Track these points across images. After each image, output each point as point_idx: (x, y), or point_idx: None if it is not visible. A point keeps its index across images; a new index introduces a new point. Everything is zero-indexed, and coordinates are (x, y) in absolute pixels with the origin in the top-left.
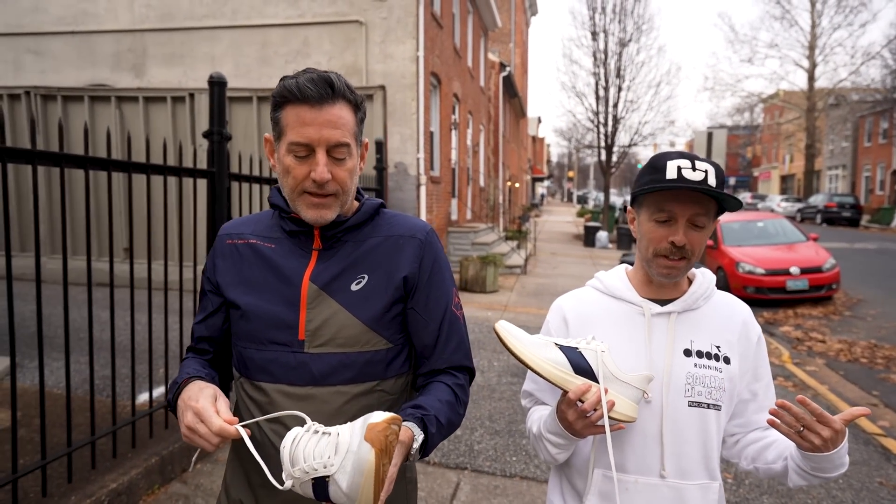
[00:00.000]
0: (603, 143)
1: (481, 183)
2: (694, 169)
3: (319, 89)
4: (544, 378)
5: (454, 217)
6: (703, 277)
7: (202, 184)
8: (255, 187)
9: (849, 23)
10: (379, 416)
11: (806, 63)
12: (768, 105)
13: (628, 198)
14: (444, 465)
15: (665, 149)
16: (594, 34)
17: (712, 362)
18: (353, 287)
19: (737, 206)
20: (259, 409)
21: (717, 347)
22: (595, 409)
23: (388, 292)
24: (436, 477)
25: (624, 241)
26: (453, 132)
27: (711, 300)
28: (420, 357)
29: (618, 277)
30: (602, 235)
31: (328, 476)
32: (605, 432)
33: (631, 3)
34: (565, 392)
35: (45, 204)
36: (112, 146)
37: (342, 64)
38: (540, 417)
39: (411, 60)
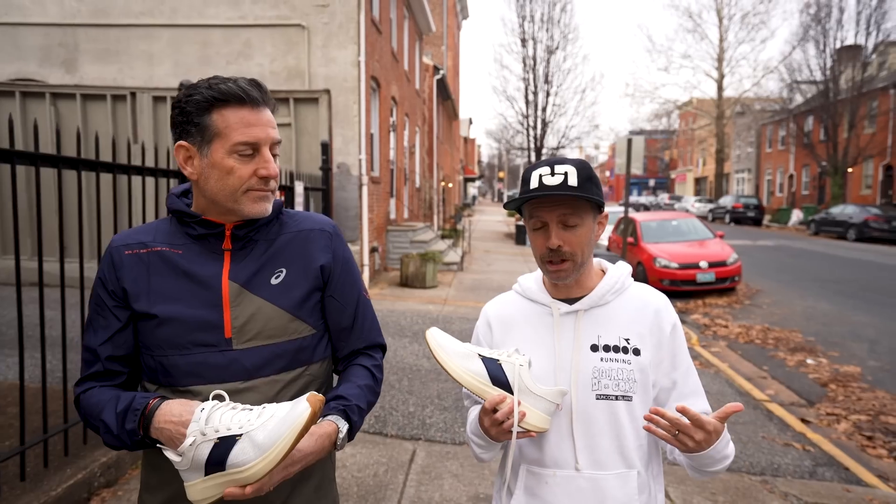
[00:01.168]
0: (532, 146)
1: (417, 183)
2: (553, 174)
3: (261, 93)
4: (464, 387)
5: (393, 216)
6: (615, 272)
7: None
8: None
9: (751, 38)
10: (315, 393)
11: (715, 74)
12: (683, 111)
13: None
14: (401, 437)
15: (590, 151)
16: (524, 41)
17: (620, 355)
18: (273, 281)
19: (597, 202)
20: None
21: (626, 340)
22: (508, 419)
23: (307, 281)
24: (394, 447)
25: None
26: (391, 134)
27: (624, 294)
28: (337, 341)
29: (533, 280)
30: None
31: (239, 435)
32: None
33: (558, 13)
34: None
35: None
36: (49, 143)
37: (284, 66)
38: (468, 423)
39: (353, 65)
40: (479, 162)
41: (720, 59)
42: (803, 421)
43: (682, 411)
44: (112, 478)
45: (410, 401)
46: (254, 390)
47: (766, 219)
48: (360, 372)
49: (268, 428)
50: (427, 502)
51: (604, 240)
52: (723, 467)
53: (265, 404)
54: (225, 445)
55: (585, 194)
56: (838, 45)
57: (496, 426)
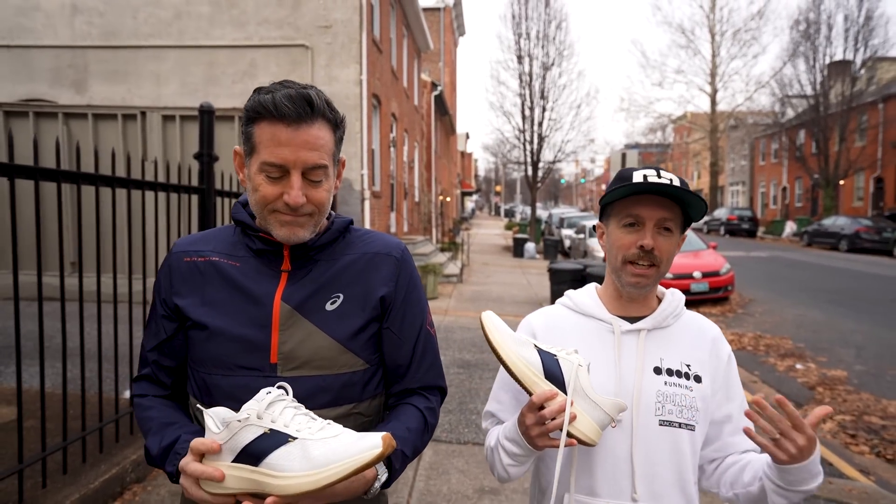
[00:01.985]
0: (529, 160)
1: (416, 197)
2: (659, 176)
3: (297, 108)
4: (513, 375)
5: (393, 229)
6: (673, 296)
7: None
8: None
9: (743, 54)
10: (391, 435)
11: (708, 88)
12: (678, 125)
13: (556, 211)
14: None
15: (586, 165)
16: (520, 58)
17: (683, 380)
18: (328, 307)
19: (701, 209)
20: None
21: (688, 366)
22: (554, 419)
23: (364, 311)
24: None
25: (550, 252)
26: (391, 149)
27: (681, 319)
28: (393, 376)
29: (587, 294)
30: (530, 247)
31: (293, 437)
32: (558, 447)
33: (553, 31)
34: (531, 395)
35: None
36: (67, 160)
37: None
38: (499, 429)
39: (355, 83)
40: (476, 176)
41: (713, 74)
42: None
43: (781, 403)
44: (142, 474)
45: None
46: None
47: (761, 230)
48: (411, 412)
49: (329, 446)
50: (436, 494)
51: (600, 251)
52: (816, 485)
53: (330, 420)
54: (272, 440)
55: (698, 196)
56: (828, 61)
57: (539, 425)
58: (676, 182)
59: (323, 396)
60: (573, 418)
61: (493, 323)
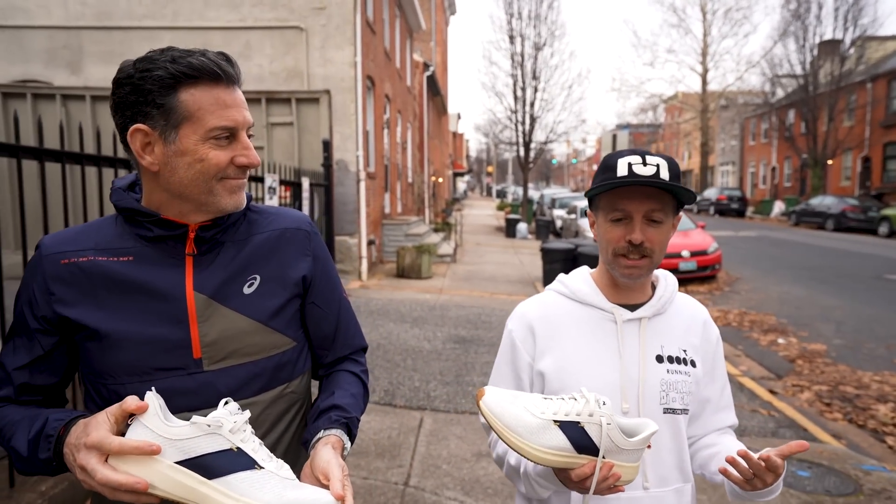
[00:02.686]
0: (521, 140)
1: (410, 178)
2: (645, 164)
3: (234, 68)
4: (549, 465)
5: (387, 210)
6: (667, 281)
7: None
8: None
9: (734, 33)
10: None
11: (699, 68)
12: (669, 105)
13: (548, 191)
14: (408, 407)
15: (578, 145)
16: (511, 38)
17: (682, 367)
18: (246, 290)
19: (691, 197)
20: None
21: (685, 351)
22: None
23: (285, 290)
24: (403, 415)
25: (542, 232)
26: (385, 130)
27: (674, 303)
28: (319, 349)
29: (583, 281)
30: (522, 227)
31: (260, 467)
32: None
33: (545, 10)
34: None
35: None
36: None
37: (283, 67)
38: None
39: (350, 65)
40: (468, 156)
41: (704, 54)
42: (771, 392)
43: (747, 458)
44: None
45: (415, 377)
46: None
47: (750, 210)
48: (350, 379)
49: (301, 493)
50: (436, 458)
51: (591, 232)
52: (775, 496)
53: (280, 461)
54: (236, 460)
55: (689, 190)
56: (818, 41)
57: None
58: (664, 169)
59: (256, 383)
60: (617, 477)
61: (501, 421)
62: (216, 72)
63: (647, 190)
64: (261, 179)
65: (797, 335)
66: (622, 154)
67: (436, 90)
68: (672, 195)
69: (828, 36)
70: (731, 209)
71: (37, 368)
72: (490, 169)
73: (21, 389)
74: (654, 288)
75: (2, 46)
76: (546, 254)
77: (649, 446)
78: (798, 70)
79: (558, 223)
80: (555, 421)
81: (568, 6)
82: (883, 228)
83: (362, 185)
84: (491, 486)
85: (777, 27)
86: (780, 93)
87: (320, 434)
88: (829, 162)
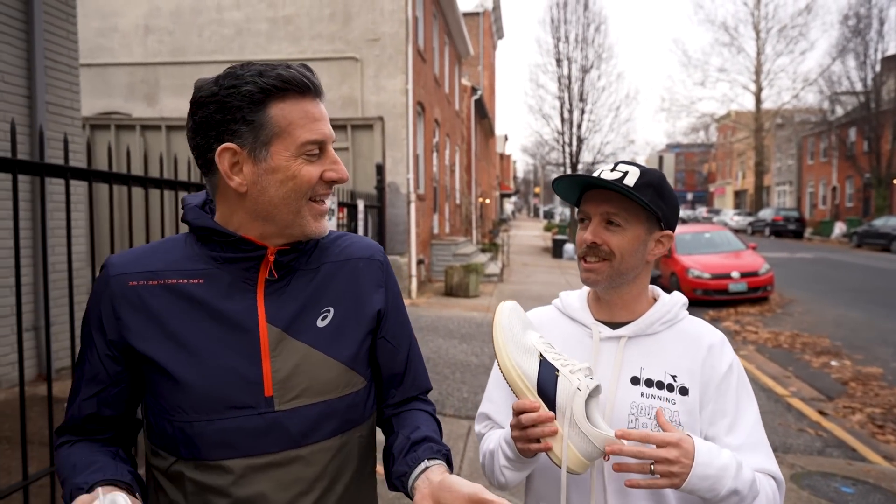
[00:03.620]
0: (568, 162)
1: (457, 199)
2: (613, 170)
3: (317, 81)
4: (506, 380)
5: (436, 231)
6: (668, 300)
7: None
8: None
9: (790, 50)
10: None
11: (753, 87)
12: (721, 125)
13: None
14: (457, 416)
15: None
16: (558, 61)
17: (664, 392)
18: (320, 323)
19: (657, 207)
20: (220, 496)
21: (673, 377)
22: (534, 426)
23: (360, 324)
24: (453, 423)
25: None
26: (434, 153)
27: (676, 326)
28: (388, 386)
29: (577, 297)
30: (569, 248)
31: None
32: (536, 453)
33: (592, 33)
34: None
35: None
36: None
37: (340, 95)
38: (500, 433)
39: (402, 93)
40: (515, 177)
41: (758, 72)
42: (820, 412)
43: (625, 435)
44: None
45: (464, 389)
46: (304, 463)
47: (808, 231)
48: (427, 418)
49: None
50: None
51: None
52: (727, 489)
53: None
54: None
55: (634, 193)
56: (879, 56)
57: (519, 429)
58: (632, 177)
59: (328, 425)
60: (547, 447)
61: (502, 320)
62: (305, 83)
63: (607, 193)
64: (354, 206)
65: (851, 358)
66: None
67: (483, 113)
68: (642, 206)
69: (890, 52)
70: (788, 230)
71: (104, 399)
72: (537, 190)
73: (88, 420)
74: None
75: (88, 82)
76: None
77: (607, 457)
78: (859, 87)
79: None
80: (540, 354)
81: (615, 28)
82: None
83: (412, 206)
84: None
85: (835, 44)
86: (839, 110)
87: (425, 464)
88: (895, 181)
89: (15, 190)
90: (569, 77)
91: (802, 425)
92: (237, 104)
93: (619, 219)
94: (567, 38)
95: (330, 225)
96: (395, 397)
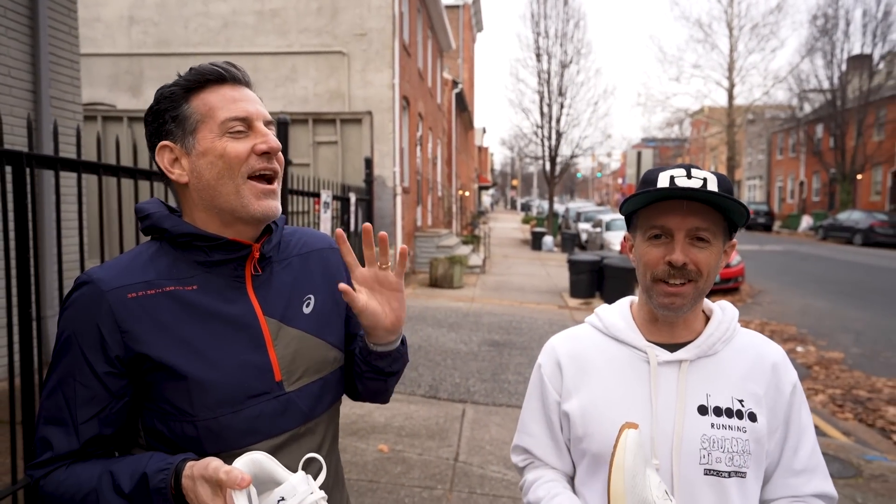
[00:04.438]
0: (547, 155)
1: (439, 192)
2: (689, 177)
3: (239, 70)
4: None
5: (419, 223)
6: (724, 314)
7: None
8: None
9: (761, 48)
10: None
11: (726, 83)
12: (695, 120)
13: (573, 205)
14: (451, 400)
15: (603, 160)
16: (538, 56)
17: (734, 420)
18: (305, 310)
19: (743, 215)
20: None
21: (741, 402)
22: None
23: (338, 307)
24: (447, 406)
25: (568, 245)
26: (418, 147)
27: (733, 343)
28: (357, 339)
29: (619, 315)
30: (548, 240)
31: None
32: None
33: (571, 29)
34: None
35: None
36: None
37: (327, 89)
38: (552, 493)
39: (388, 87)
40: (493, 170)
41: (731, 69)
42: None
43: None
44: None
45: (455, 374)
46: (311, 433)
47: (777, 225)
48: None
49: None
50: (480, 440)
51: (616, 244)
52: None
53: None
54: None
55: (742, 204)
56: (846, 56)
57: None
58: (712, 183)
59: (327, 397)
60: None
61: (627, 461)
62: (219, 72)
63: (692, 205)
64: (316, 195)
65: (816, 344)
66: (663, 168)
67: (463, 106)
68: (722, 215)
69: (856, 51)
70: (758, 224)
71: (106, 418)
72: (515, 182)
73: (90, 443)
74: (706, 322)
75: None
76: (573, 265)
77: None
78: (826, 85)
79: (583, 236)
80: None
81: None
82: None
83: (398, 199)
84: None
85: (805, 43)
86: (807, 108)
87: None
88: (859, 177)
89: (32, 183)
90: (548, 72)
91: None
92: (164, 107)
93: (708, 234)
94: (547, 33)
95: (325, 217)
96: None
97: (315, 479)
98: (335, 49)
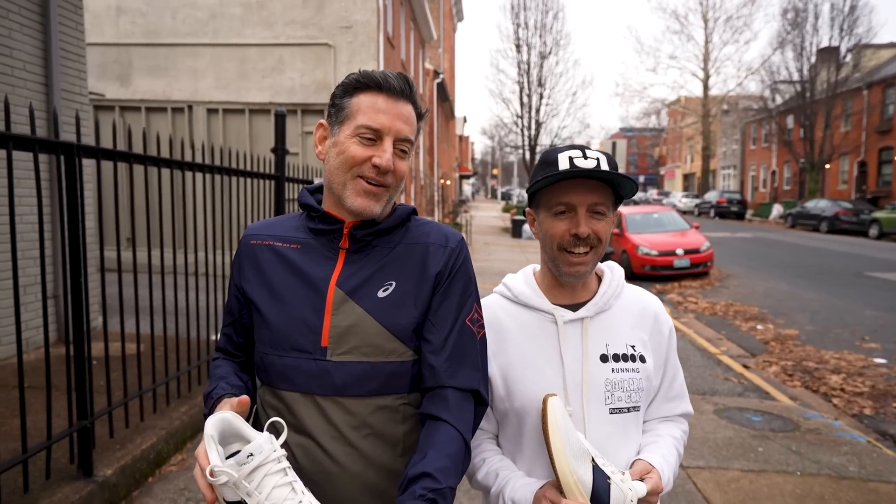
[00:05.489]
0: (527, 144)
1: (422, 181)
2: (585, 157)
3: (402, 83)
4: (558, 479)
5: None
6: (612, 274)
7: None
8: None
9: (735, 40)
10: None
11: (701, 74)
12: (671, 110)
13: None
14: None
15: None
16: (518, 47)
17: (629, 364)
18: (380, 294)
19: (632, 189)
20: (280, 416)
21: (633, 347)
22: None
23: (417, 301)
24: None
25: None
26: None
27: (622, 297)
28: (423, 365)
29: (525, 283)
30: (527, 228)
31: None
32: None
33: (550, 20)
34: (560, 491)
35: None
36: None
37: (313, 80)
38: (505, 481)
39: None
40: (473, 159)
41: (706, 60)
42: (744, 366)
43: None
44: None
45: None
46: (341, 408)
47: (750, 213)
48: (449, 437)
49: None
50: None
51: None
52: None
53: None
54: None
55: (627, 176)
56: (815, 49)
57: None
58: (604, 163)
59: (370, 383)
60: None
61: (559, 422)
62: (379, 81)
63: (591, 183)
64: (310, 182)
65: (774, 322)
66: (561, 149)
67: (444, 96)
68: (612, 192)
69: (825, 44)
70: (731, 212)
71: (235, 329)
72: (495, 172)
73: (228, 343)
74: (599, 281)
75: None
76: None
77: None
78: (796, 77)
79: None
80: (592, 459)
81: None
82: (873, 230)
83: None
84: None
85: (776, 35)
86: (779, 99)
87: None
88: (827, 166)
89: (69, 170)
90: (528, 62)
91: (728, 376)
92: (337, 93)
93: (604, 207)
94: (527, 24)
95: None
96: (427, 382)
97: (277, 438)
98: (321, 41)
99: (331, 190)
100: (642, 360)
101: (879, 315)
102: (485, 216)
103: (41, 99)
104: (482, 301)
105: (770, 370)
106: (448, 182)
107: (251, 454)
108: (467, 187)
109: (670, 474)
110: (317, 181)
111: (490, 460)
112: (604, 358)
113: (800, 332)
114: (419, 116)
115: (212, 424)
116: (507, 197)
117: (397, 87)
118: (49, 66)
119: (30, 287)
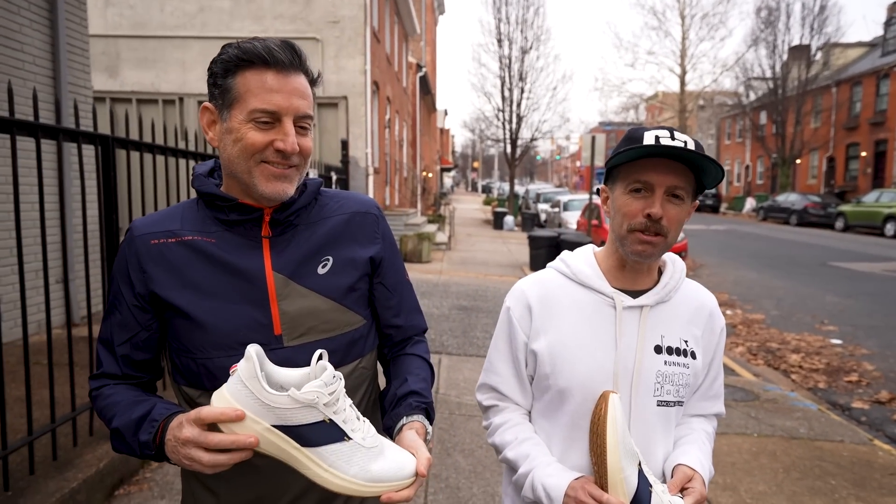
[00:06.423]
0: (508, 138)
1: (405, 173)
2: (673, 138)
3: (289, 54)
4: (602, 475)
5: (388, 202)
6: (675, 266)
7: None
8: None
9: (711, 36)
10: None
11: (678, 70)
12: (649, 105)
13: (533, 186)
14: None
15: (561, 143)
16: (500, 41)
17: (681, 358)
18: (321, 270)
19: (716, 178)
20: None
21: (686, 342)
22: None
23: (356, 269)
24: None
25: (528, 224)
26: (387, 129)
27: (681, 291)
28: (386, 328)
29: (586, 262)
30: (509, 220)
31: (349, 438)
32: None
33: (531, 16)
34: (601, 486)
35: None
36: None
37: None
38: (533, 460)
39: (360, 73)
40: (454, 152)
41: (683, 56)
42: None
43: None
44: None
45: (430, 332)
46: None
47: (724, 206)
48: (418, 364)
49: (384, 465)
50: (455, 379)
51: (573, 223)
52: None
53: (367, 425)
54: (328, 432)
55: (715, 161)
56: (786, 47)
57: None
58: (692, 145)
59: (332, 358)
60: None
61: (617, 417)
62: (264, 56)
63: (673, 164)
64: (328, 178)
65: (743, 308)
66: (648, 128)
67: (427, 89)
68: (694, 178)
69: (796, 42)
70: (706, 205)
71: (136, 344)
72: (476, 164)
73: (124, 364)
74: (660, 273)
75: None
76: (532, 241)
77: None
78: (769, 74)
79: (543, 216)
80: (639, 463)
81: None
82: (839, 223)
83: (370, 179)
84: None
85: (750, 33)
86: (752, 95)
87: (403, 421)
88: (798, 161)
89: (105, 159)
90: (509, 57)
91: None
92: (216, 70)
93: (683, 192)
94: (508, 19)
95: None
96: (394, 337)
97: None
98: (309, 35)
99: (235, 178)
100: (693, 356)
101: (839, 301)
102: (467, 208)
103: (49, 92)
104: (536, 276)
105: (737, 350)
106: (430, 174)
107: (336, 375)
108: (448, 180)
109: (707, 478)
110: (203, 163)
111: (523, 440)
112: (658, 349)
113: (766, 316)
114: (312, 83)
115: (254, 350)
116: (487, 190)
117: (285, 60)
118: (57, 59)
119: (38, 272)
